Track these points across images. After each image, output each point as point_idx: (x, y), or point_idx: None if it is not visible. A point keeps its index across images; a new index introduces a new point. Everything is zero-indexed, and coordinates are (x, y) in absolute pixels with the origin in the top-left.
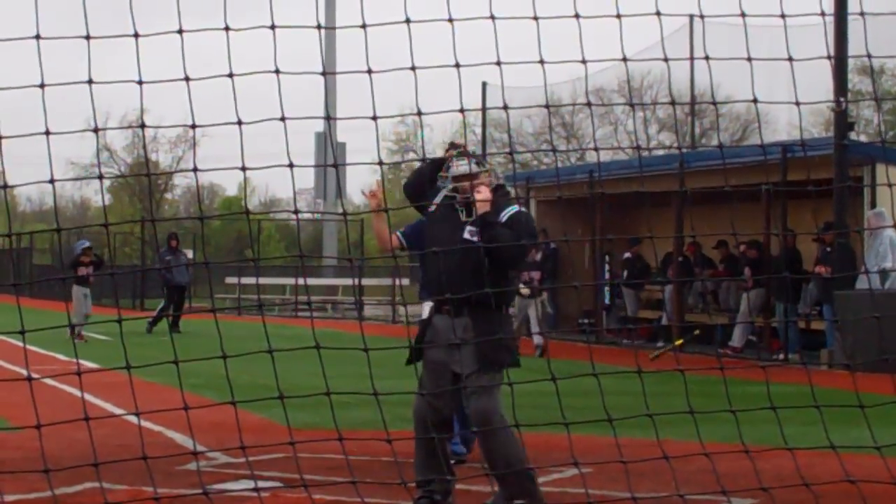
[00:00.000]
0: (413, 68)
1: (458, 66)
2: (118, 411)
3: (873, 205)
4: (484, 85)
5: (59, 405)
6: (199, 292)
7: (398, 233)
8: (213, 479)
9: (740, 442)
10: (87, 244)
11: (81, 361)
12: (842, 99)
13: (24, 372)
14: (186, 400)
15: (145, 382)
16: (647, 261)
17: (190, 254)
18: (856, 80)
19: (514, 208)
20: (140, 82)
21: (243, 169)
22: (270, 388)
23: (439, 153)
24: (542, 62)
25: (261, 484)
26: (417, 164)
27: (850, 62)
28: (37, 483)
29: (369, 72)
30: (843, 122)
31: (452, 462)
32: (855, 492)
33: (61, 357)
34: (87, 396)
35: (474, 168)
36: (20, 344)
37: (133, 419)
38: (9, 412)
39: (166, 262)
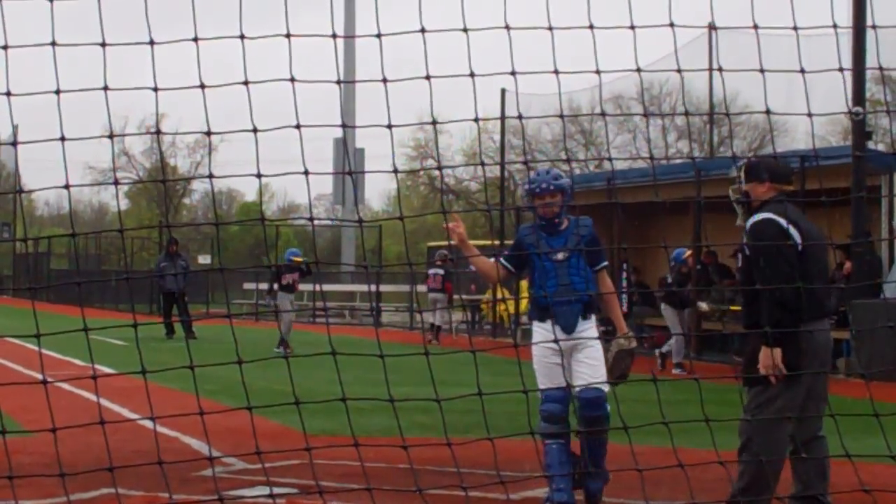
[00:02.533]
0: (428, 77)
1: (472, 75)
2: (134, 417)
3: (891, 214)
4: (503, 92)
5: (75, 410)
6: (216, 298)
7: (500, 261)
8: (228, 485)
9: None
10: (297, 252)
11: (97, 366)
12: (858, 109)
13: (40, 376)
14: (202, 406)
15: (161, 388)
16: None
17: (207, 259)
18: (874, 90)
19: (754, 217)
20: (155, 89)
21: (258, 176)
22: (286, 393)
23: (458, 160)
24: (556, 72)
25: (276, 490)
26: (435, 172)
27: (869, 71)
28: (52, 488)
29: (384, 80)
30: (860, 131)
31: None
32: (870, 501)
33: (78, 362)
34: (103, 402)
35: (732, 174)
36: (36, 348)
37: (149, 425)
38: (24, 417)
39: (161, 269)
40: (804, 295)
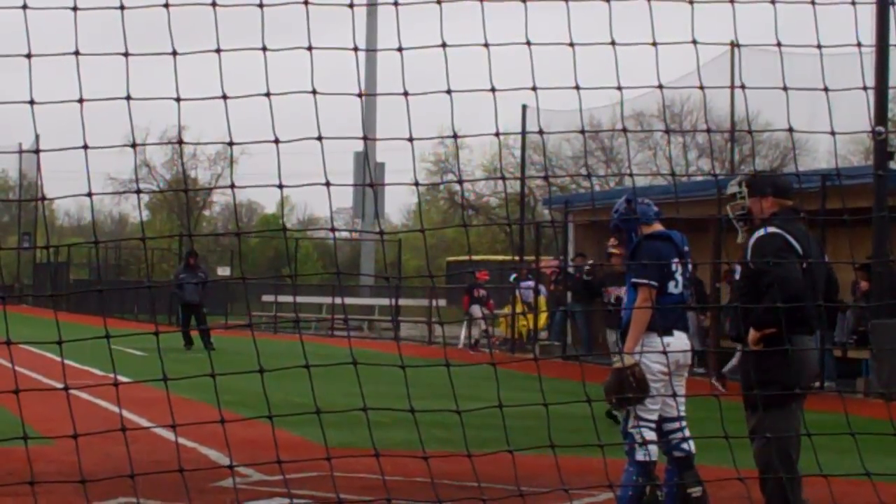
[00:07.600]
0: (449, 91)
1: (493, 90)
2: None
3: None
4: (524, 108)
5: (94, 420)
6: (235, 309)
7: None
8: (246, 496)
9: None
10: None
11: (117, 376)
12: (881, 128)
13: (60, 385)
14: (222, 416)
15: (179, 398)
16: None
17: (227, 271)
18: None
19: (759, 232)
20: (178, 100)
21: (280, 187)
22: (305, 406)
23: (478, 175)
24: (577, 88)
25: (295, 502)
26: (456, 186)
27: (892, 90)
28: (71, 496)
29: (405, 94)
30: (882, 150)
31: None
32: None
33: (96, 371)
34: (123, 411)
35: (732, 189)
36: (54, 357)
37: (168, 436)
38: (44, 426)
39: (180, 280)
40: (795, 309)
